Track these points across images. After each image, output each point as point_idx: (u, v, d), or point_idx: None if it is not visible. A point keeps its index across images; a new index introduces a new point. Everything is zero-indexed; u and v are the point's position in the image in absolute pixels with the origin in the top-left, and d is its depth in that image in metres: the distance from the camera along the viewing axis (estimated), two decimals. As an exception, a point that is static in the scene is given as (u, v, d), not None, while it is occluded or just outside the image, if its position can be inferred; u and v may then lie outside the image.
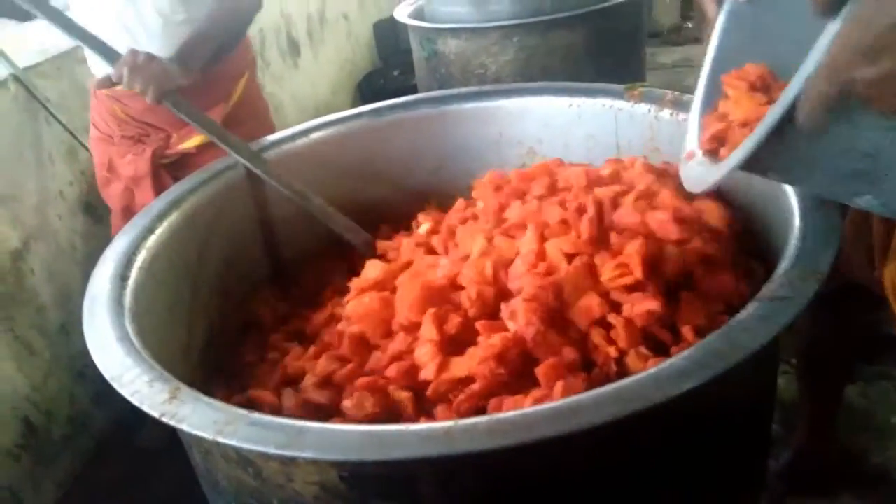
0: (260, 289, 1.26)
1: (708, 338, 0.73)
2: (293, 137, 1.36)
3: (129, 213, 1.76)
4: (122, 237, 1.08)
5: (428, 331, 0.93)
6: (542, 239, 0.98)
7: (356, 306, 1.02)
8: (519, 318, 0.88)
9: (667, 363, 0.71)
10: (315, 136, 1.38)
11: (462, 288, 0.98)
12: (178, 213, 1.16)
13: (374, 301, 1.01)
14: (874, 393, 1.93)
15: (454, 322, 0.93)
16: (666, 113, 1.25)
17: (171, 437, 1.92)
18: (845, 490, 1.72)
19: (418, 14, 2.41)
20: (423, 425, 0.69)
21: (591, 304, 0.89)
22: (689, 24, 4.29)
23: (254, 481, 0.80)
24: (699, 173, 0.87)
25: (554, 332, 0.88)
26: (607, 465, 0.74)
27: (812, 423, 1.68)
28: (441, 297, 0.97)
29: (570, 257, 0.94)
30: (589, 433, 0.65)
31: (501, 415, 0.68)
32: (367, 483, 0.75)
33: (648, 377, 0.69)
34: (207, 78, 1.62)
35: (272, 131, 1.41)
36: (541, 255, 0.95)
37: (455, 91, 1.46)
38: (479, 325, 0.91)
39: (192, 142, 1.70)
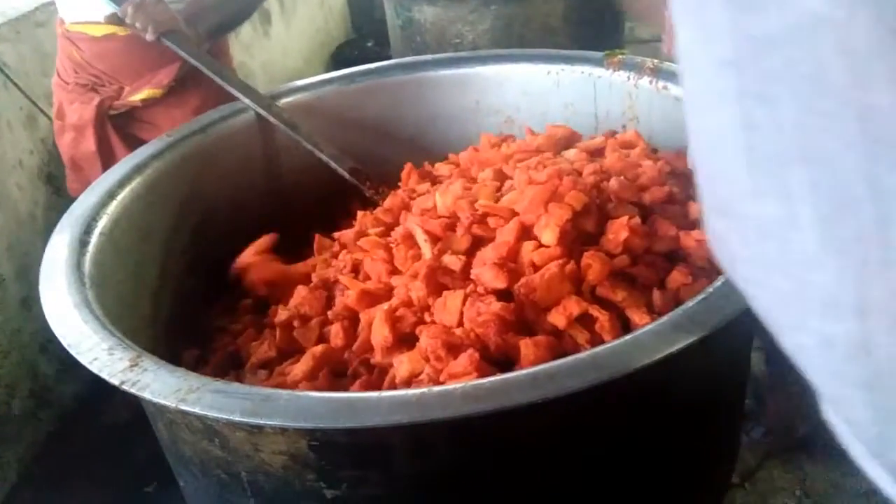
0: (228, 257, 1.22)
1: (686, 305, 0.71)
2: (262, 102, 1.32)
3: (75, 164, 1.74)
4: (82, 202, 1.04)
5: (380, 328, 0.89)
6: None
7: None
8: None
9: (644, 330, 0.69)
10: (284, 101, 1.34)
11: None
12: (140, 179, 1.12)
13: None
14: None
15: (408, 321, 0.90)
16: (645, 81, 1.23)
17: (137, 412, 1.89)
18: (816, 462, 1.73)
19: (393, -19, 2.35)
20: (395, 392, 0.67)
21: (568, 306, 0.86)
22: None
23: (220, 452, 0.77)
24: None
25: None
26: (583, 432, 0.72)
27: (783, 398, 1.70)
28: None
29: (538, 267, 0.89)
30: (565, 400, 0.63)
31: (477, 381, 0.66)
32: (338, 452, 0.72)
33: (626, 343, 0.68)
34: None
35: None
36: (512, 255, 0.91)
37: (431, 57, 1.42)
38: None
39: (140, 95, 1.64)
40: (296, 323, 0.94)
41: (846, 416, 0.34)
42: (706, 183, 0.34)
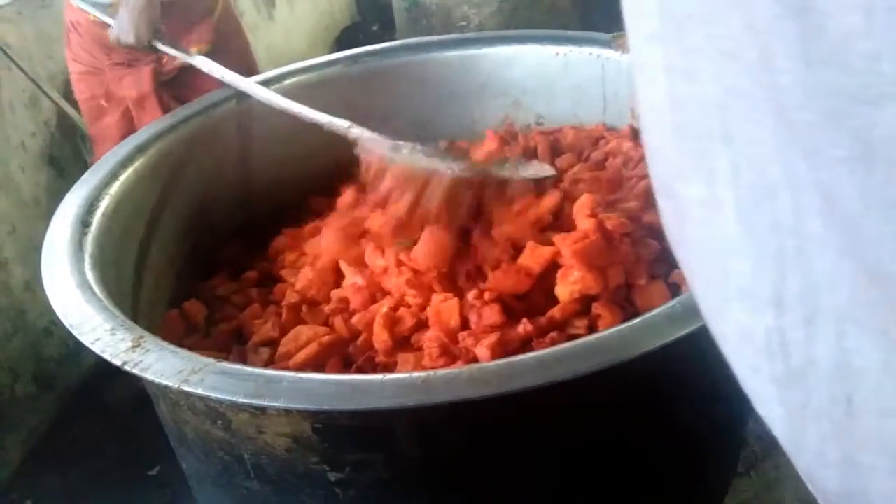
0: (231, 240, 1.21)
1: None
2: (267, 83, 1.30)
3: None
4: (84, 183, 1.03)
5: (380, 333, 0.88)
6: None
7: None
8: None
9: (653, 313, 0.68)
10: (289, 82, 1.32)
11: None
12: (143, 160, 1.10)
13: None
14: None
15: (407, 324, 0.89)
16: (654, 62, 1.20)
17: (141, 396, 1.89)
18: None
19: (399, -36, 2.33)
20: (400, 374, 0.66)
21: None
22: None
23: (223, 434, 0.76)
24: None
25: None
26: (589, 416, 0.71)
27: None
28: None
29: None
30: (572, 383, 0.62)
31: (482, 364, 0.66)
32: (341, 435, 0.71)
33: (633, 327, 0.67)
34: None
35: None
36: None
37: (436, 39, 1.40)
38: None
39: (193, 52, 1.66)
40: (304, 308, 0.93)
41: (762, 413, 0.32)
42: (650, 160, 0.33)
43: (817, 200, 0.25)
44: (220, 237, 1.20)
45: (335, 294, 0.94)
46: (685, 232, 0.32)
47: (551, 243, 0.88)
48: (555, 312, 0.83)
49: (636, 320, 0.67)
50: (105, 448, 1.80)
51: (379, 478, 0.73)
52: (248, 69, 1.64)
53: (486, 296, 0.83)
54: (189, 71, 1.58)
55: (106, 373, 2.01)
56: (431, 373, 0.64)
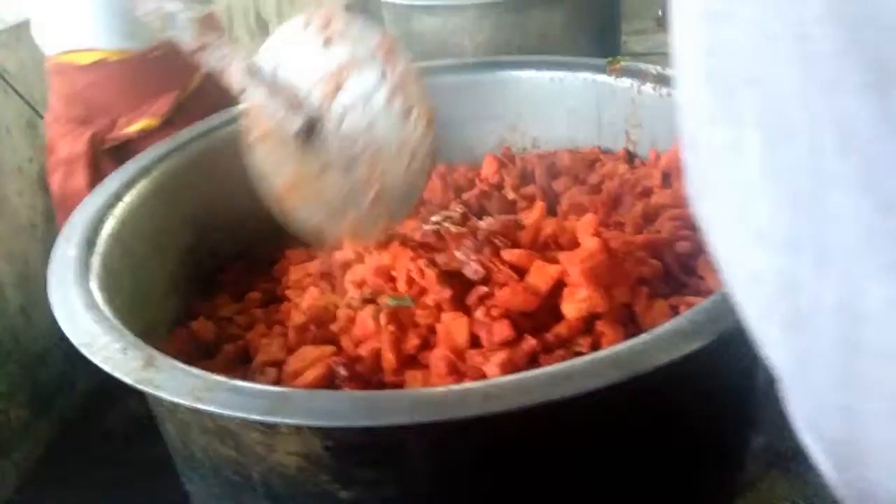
0: (233, 262, 1.22)
1: (701, 303, 0.71)
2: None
3: (65, 201, 1.58)
4: (88, 205, 1.04)
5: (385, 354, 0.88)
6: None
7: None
8: None
9: (663, 328, 0.70)
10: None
11: None
12: (146, 181, 1.11)
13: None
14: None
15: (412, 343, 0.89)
16: (649, 88, 1.23)
17: (138, 420, 1.87)
18: (818, 472, 1.74)
19: (393, -9, 2.36)
20: (415, 391, 0.67)
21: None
22: (661, 13, 4.29)
23: (233, 453, 0.77)
24: None
25: None
26: (601, 432, 0.72)
27: (782, 407, 1.70)
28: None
29: None
30: (586, 398, 0.63)
31: (497, 380, 0.66)
32: (353, 453, 0.72)
33: (644, 342, 0.68)
34: (166, 57, 1.47)
35: None
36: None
37: (434, 63, 1.43)
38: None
39: (135, 126, 1.51)
40: (312, 327, 0.93)
41: (770, 358, 0.34)
42: (681, 114, 0.35)
43: (834, 138, 0.27)
44: (222, 258, 1.20)
45: (341, 313, 0.95)
46: (707, 180, 0.34)
47: (555, 261, 0.90)
48: (561, 329, 0.84)
49: (646, 335, 0.68)
50: (101, 474, 1.78)
51: (390, 496, 0.73)
52: None
53: (494, 312, 0.84)
54: (146, 141, 1.43)
55: (101, 398, 1.99)
56: (447, 388, 0.65)
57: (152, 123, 1.50)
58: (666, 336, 0.68)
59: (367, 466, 0.72)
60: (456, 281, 0.91)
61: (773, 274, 0.30)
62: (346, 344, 0.92)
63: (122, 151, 1.50)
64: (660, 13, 4.29)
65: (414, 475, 0.72)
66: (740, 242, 0.32)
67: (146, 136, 1.48)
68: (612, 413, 0.70)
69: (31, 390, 1.91)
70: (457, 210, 1.04)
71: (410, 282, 0.93)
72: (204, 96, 1.60)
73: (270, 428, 0.71)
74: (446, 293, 0.88)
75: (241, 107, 1.14)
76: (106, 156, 1.54)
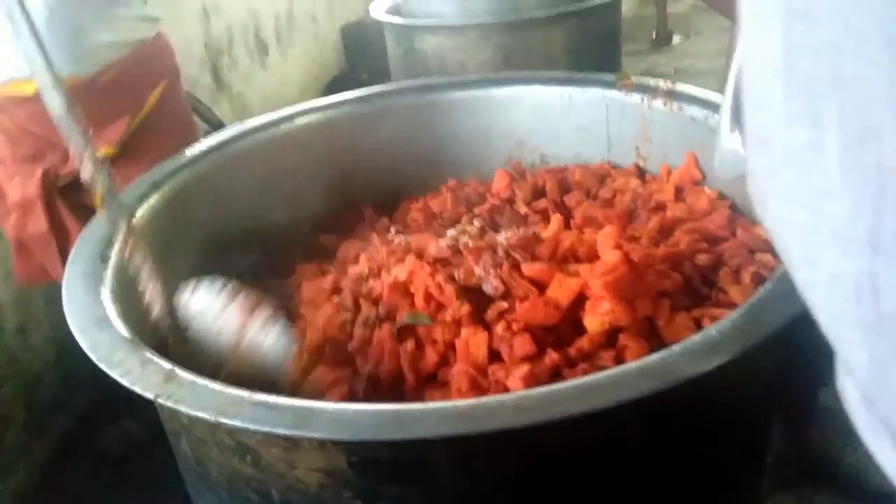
0: (243, 277, 1.20)
1: (730, 315, 0.71)
2: (277, 122, 1.32)
3: (23, 247, 1.50)
4: (100, 220, 1.02)
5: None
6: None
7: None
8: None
9: (690, 341, 0.69)
10: (299, 121, 1.33)
11: None
12: (157, 196, 1.11)
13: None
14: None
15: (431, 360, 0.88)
16: (659, 103, 1.24)
17: (134, 440, 1.84)
18: (822, 489, 1.73)
19: (394, 11, 2.37)
20: (444, 403, 0.66)
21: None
22: (654, 35, 4.35)
23: (252, 470, 0.75)
24: (734, 159, 0.87)
25: None
26: (631, 444, 0.71)
27: (790, 426, 1.69)
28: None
29: None
30: (618, 410, 0.62)
31: (527, 392, 0.65)
32: (377, 468, 0.70)
33: (675, 353, 0.67)
34: (114, 83, 1.43)
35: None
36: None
37: (444, 80, 1.43)
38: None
39: None
40: (327, 347, 0.92)
41: (846, 360, 0.34)
42: (749, 114, 0.35)
43: None
44: (232, 273, 1.19)
45: (358, 332, 0.94)
46: (779, 181, 0.33)
47: (575, 275, 0.89)
48: (583, 343, 0.84)
49: (676, 347, 0.67)
50: (98, 496, 1.75)
51: (414, 513, 0.72)
52: None
53: (515, 326, 0.83)
54: None
55: (98, 420, 1.97)
56: (476, 400, 0.64)
57: (109, 152, 1.40)
58: (696, 347, 0.67)
59: (392, 483, 0.71)
60: (474, 296, 0.90)
61: (852, 276, 0.30)
62: (361, 364, 0.91)
63: (76, 187, 1.40)
64: (653, 35, 4.35)
65: (440, 491, 0.71)
66: (816, 244, 0.32)
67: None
68: (644, 425, 0.69)
69: (27, 412, 1.89)
70: (474, 224, 1.03)
71: (428, 297, 0.92)
72: (161, 118, 1.54)
73: (293, 443, 0.70)
74: (465, 309, 0.87)
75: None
76: (62, 193, 1.43)
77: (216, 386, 0.70)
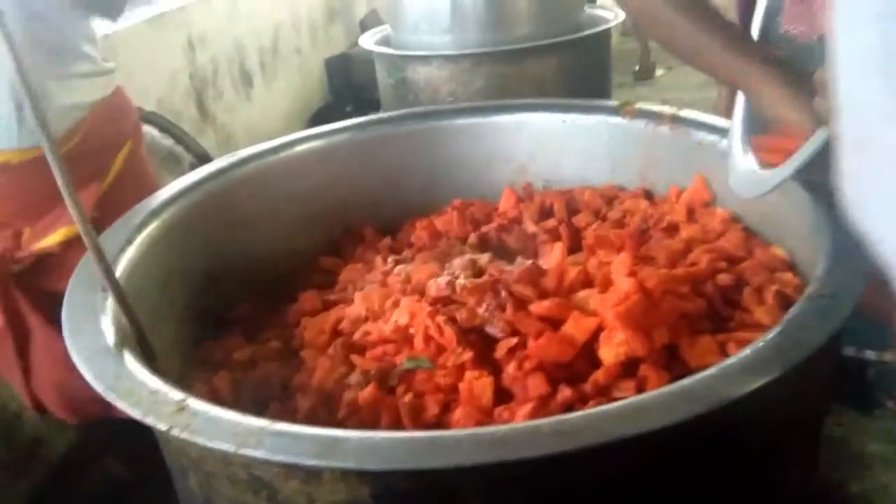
0: (241, 303, 1.17)
1: (767, 336, 0.69)
2: (276, 150, 1.29)
3: None
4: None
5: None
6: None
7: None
8: None
9: (728, 362, 0.67)
10: (299, 148, 1.31)
11: None
12: (156, 223, 1.07)
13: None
14: (847, 422, 1.94)
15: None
16: (664, 129, 1.23)
17: (116, 482, 1.76)
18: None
19: (384, 42, 2.38)
20: (475, 430, 0.63)
21: None
22: (637, 68, 4.41)
23: (266, 506, 0.71)
24: (752, 180, 0.87)
25: None
26: (668, 468, 0.68)
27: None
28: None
29: None
30: (655, 435, 0.60)
31: (563, 417, 0.63)
32: (402, 501, 0.67)
33: (713, 376, 0.65)
34: (80, 148, 1.32)
35: None
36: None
37: (445, 107, 1.43)
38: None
39: (53, 238, 1.23)
40: (321, 412, 0.88)
41: None
42: (844, 115, 0.34)
43: None
44: (233, 298, 1.15)
45: (348, 396, 0.89)
46: (881, 181, 0.33)
47: (584, 304, 0.87)
48: (598, 376, 0.81)
49: (714, 369, 0.65)
50: (81, 538, 1.68)
51: (439, 548, 0.68)
52: None
53: (527, 365, 0.81)
54: (72, 252, 1.17)
55: (79, 459, 1.89)
56: (510, 426, 0.61)
57: (72, 232, 1.22)
58: (734, 370, 0.65)
59: (416, 516, 0.67)
60: (477, 337, 0.88)
61: None
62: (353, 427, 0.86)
63: (38, 271, 1.25)
64: (636, 68, 4.41)
65: (467, 524, 0.67)
66: None
67: (67, 249, 1.22)
68: (680, 448, 0.66)
69: (6, 452, 1.81)
70: (475, 256, 1.01)
71: (428, 339, 0.89)
72: (128, 179, 1.42)
73: (313, 475, 0.66)
74: (467, 354, 0.85)
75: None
76: (18, 280, 1.25)
77: (231, 415, 0.67)
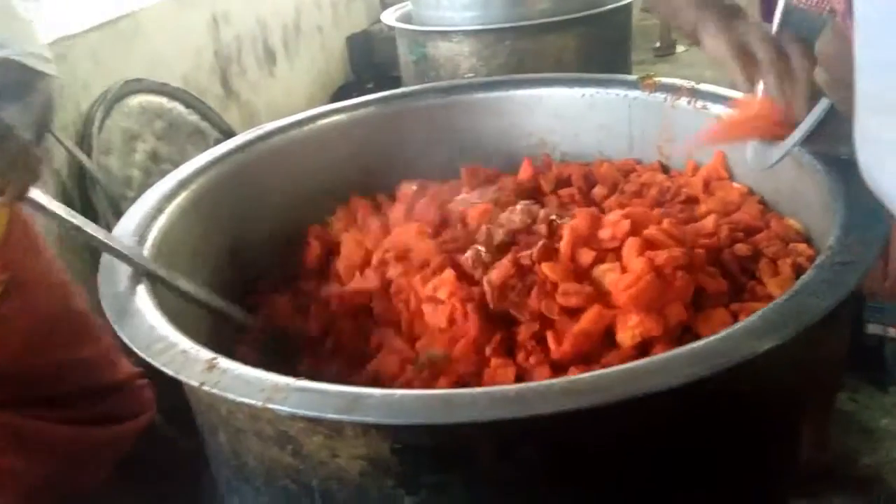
0: (263, 279, 1.20)
1: (777, 301, 0.71)
2: (300, 123, 1.32)
3: None
4: (130, 216, 1.03)
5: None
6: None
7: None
8: None
9: (738, 325, 0.69)
10: (322, 122, 1.34)
11: None
12: (186, 194, 1.11)
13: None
14: (862, 397, 1.95)
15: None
16: (683, 102, 1.24)
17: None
18: (839, 491, 1.72)
19: (405, 19, 2.39)
20: (492, 388, 0.66)
21: None
22: (658, 44, 4.37)
23: (291, 459, 0.75)
24: (762, 152, 0.88)
25: None
26: (675, 429, 0.70)
27: (807, 429, 1.69)
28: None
29: None
30: (662, 395, 0.62)
31: (576, 376, 0.65)
32: (420, 455, 0.70)
33: (722, 338, 0.67)
34: None
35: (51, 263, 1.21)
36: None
37: (466, 81, 1.45)
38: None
39: None
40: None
41: None
42: (866, 76, 0.34)
43: None
44: (258, 269, 1.19)
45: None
46: None
47: (599, 284, 0.88)
48: (612, 360, 0.83)
49: (722, 333, 0.67)
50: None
51: (456, 500, 0.72)
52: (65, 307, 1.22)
53: (535, 359, 0.84)
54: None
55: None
56: (525, 385, 0.64)
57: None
58: (741, 334, 0.67)
59: (434, 470, 0.70)
60: (500, 320, 0.90)
61: None
62: None
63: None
64: (657, 45, 4.37)
65: (482, 478, 0.70)
66: None
67: None
68: (689, 409, 0.69)
69: None
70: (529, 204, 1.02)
71: (452, 322, 0.91)
72: (21, 242, 1.21)
73: (336, 430, 0.70)
74: (491, 347, 0.87)
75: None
76: None
77: (259, 373, 0.70)
